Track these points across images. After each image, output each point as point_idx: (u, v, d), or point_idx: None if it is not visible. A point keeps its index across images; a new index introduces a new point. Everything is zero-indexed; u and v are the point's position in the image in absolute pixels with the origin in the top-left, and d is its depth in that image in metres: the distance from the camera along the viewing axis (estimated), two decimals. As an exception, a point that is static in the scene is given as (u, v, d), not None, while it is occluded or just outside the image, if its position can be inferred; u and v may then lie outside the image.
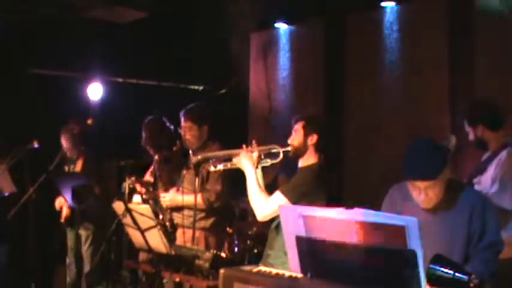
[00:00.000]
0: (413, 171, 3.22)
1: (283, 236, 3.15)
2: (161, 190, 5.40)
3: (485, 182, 4.29)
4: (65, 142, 6.24)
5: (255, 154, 4.17)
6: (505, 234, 4.07)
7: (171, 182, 5.39)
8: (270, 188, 4.13)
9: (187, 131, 5.12)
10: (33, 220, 6.03)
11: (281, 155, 4.14)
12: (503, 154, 4.27)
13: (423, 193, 3.22)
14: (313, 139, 4.11)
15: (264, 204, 4.02)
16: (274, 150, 4.18)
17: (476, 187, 4.31)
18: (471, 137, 4.46)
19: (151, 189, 5.55)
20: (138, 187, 5.53)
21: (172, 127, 5.73)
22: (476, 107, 4.55)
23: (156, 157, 5.55)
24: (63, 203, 6.24)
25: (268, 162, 4.21)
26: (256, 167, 4.15)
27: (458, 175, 4.36)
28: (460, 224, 3.24)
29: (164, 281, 4.70)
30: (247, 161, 4.15)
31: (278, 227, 3.99)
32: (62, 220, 6.36)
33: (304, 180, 4.05)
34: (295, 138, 4.14)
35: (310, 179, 4.05)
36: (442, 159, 3.23)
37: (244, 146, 4.26)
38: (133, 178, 5.43)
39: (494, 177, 4.22)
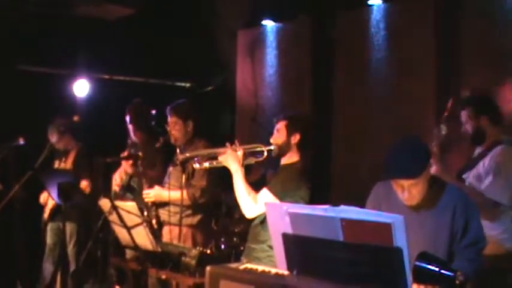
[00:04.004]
0: (394, 171, 3.24)
1: (268, 231, 3.16)
2: (145, 187, 5.40)
3: (475, 177, 4.30)
4: (53, 136, 6.22)
5: (240, 153, 4.21)
6: (495, 231, 4.11)
7: (156, 179, 5.39)
8: (258, 185, 4.16)
9: (173, 126, 5.15)
10: (19, 217, 6.00)
11: (265, 154, 4.19)
12: (498, 149, 4.25)
13: (406, 191, 3.25)
14: (296, 138, 4.16)
15: (253, 204, 4.09)
16: (258, 149, 4.23)
17: (467, 183, 4.32)
18: (469, 128, 4.37)
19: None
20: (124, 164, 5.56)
21: (155, 112, 5.78)
22: (482, 98, 4.48)
23: (140, 153, 5.55)
24: (47, 197, 6.23)
25: (252, 160, 4.26)
26: (242, 166, 4.18)
27: (448, 171, 4.35)
28: (443, 221, 3.26)
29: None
30: (234, 160, 4.18)
31: (263, 222, 4.02)
32: (46, 215, 6.34)
33: (289, 178, 4.10)
34: (278, 137, 4.19)
35: (294, 176, 4.10)
36: (424, 157, 3.26)
37: (228, 144, 4.30)
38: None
39: (488, 170, 4.20)
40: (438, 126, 4.45)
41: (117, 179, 5.67)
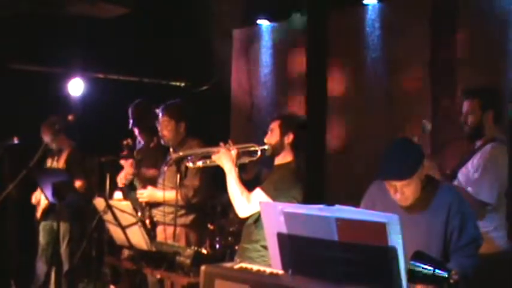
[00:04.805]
0: (385, 173, 3.25)
1: (261, 231, 3.15)
2: (139, 187, 5.38)
3: (464, 174, 4.29)
4: (46, 136, 6.21)
5: (234, 152, 4.21)
6: (486, 228, 4.11)
7: (150, 179, 5.38)
8: (252, 184, 4.15)
9: (164, 126, 5.12)
10: (13, 217, 5.98)
11: (259, 153, 4.19)
12: (488, 146, 4.24)
13: (399, 192, 3.25)
14: (289, 138, 4.17)
15: (247, 204, 4.08)
16: (252, 149, 4.23)
17: (457, 180, 4.32)
18: (471, 119, 4.29)
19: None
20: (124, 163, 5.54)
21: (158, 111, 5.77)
22: (492, 91, 4.44)
23: (134, 154, 5.55)
24: (39, 197, 6.21)
25: (246, 160, 4.26)
26: (235, 165, 4.18)
27: (442, 170, 4.35)
28: (437, 221, 3.26)
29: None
30: (227, 159, 4.18)
31: (257, 221, 4.02)
32: (38, 215, 6.32)
33: (282, 178, 4.10)
34: (272, 137, 4.20)
35: (287, 176, 4.11)
36: (416, 158, 3.26)
37: (221, 143, 4.29)
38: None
39: (476, 167, 4.20)
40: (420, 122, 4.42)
41: (122, 179, 5.65)
